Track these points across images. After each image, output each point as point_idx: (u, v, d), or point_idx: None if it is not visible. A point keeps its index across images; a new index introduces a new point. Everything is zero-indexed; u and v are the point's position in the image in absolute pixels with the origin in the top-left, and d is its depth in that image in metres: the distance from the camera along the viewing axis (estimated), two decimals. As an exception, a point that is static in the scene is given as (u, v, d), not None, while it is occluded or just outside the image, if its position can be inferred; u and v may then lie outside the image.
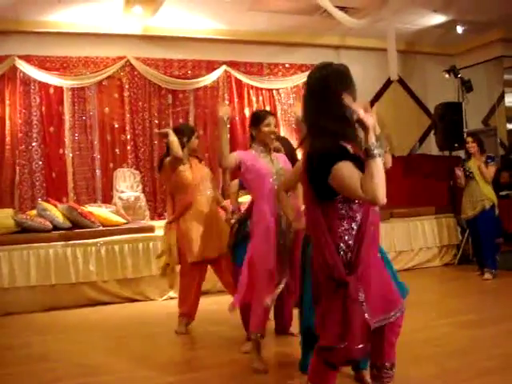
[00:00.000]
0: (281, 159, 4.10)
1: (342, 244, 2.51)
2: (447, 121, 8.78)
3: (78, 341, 4.87)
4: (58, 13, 8.04)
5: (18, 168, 8.26)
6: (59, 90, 8.55)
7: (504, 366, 3.70)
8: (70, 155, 8.61)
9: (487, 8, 8.83)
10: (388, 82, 10.37)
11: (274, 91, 9.93)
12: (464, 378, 3.53)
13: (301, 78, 9.96)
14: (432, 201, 8.16)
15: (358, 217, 2.54)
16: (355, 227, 2.54)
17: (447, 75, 8.89)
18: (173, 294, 6.48)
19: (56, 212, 6.58)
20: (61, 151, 8.58)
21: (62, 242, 6.26)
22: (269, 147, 4.02)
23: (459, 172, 6.98)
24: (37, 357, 4.40)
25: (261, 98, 9.82)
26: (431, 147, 10.50)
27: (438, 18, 9.39)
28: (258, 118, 4.05)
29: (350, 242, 2.52)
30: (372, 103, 10.35)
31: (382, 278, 2.69)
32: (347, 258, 2.51)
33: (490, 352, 4.02)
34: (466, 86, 8.59)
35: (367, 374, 3.38)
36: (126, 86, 8.95)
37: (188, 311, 4.93)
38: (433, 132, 10.08)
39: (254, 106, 9.70)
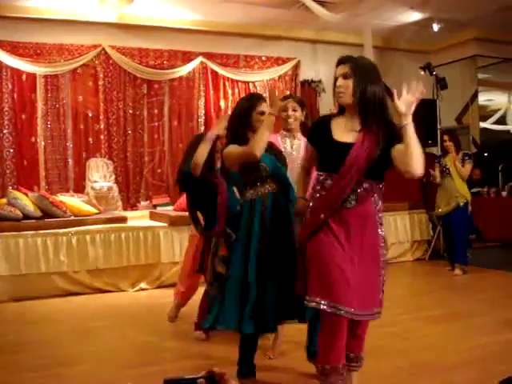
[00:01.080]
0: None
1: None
2: (421, 117, 8.79)
3: (48, 331, 4.81)
4: (32, -2, 7.92)
5: (-12, 155, 8.14)
6: (32, 76, 8.42)
7: (472, 359, 3.75)
8: (42, 143, 8.49)
9: (463, 7, 8.92)
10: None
11: (250, 84, 9.91)
12: (432, 371, 3.57)
13: (277, 71, 9.96)
14: (405, 196, 8.23)
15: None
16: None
17: (422, 72, 8.96)
18: (144, 285, 6.46)
19: (27, 201, 6.48)
20: (33, 139, 8.46)
21: (33, 232, 6.16)
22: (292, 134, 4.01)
23: (433, 172, 7.03)
24: (4, 347, 4.34)
25: (236, 90, 9.79)
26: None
27: (415, 16, 9.45)
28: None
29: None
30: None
31: (376, 277, 2.81)
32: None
33: (458, 346, 4.07)
34: (441, 83, 8.67)
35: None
36: (101, 75, 8.85)
37: (183, 293, 4.84)
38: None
39: (229, 98, 9.68)
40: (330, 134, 2.82)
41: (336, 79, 2.85)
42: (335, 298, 2.65)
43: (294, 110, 3.94)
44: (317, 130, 2.94)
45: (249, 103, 3.44)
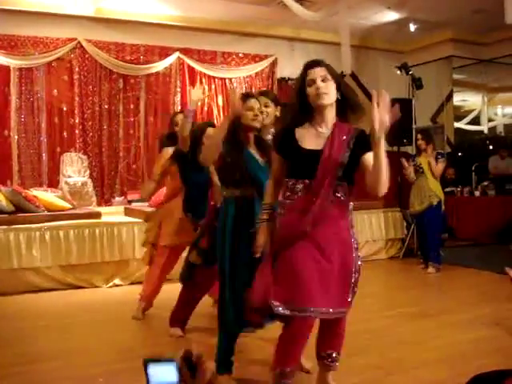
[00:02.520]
0: None
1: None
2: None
3: (19, 328, 4.75)
4: (6, -11, 7.81)
5: (-40, 149, 8.02)
6: (5, 69, 8.31)
7: (444, 356, 3.79)
8: (16, 137, 8.39)
9: (439, 8, 9.01)
10: (341, 76, 10.44)
11: (227, 80, 9.89)
12: (406, 367, 3.60)
13: (254, 68, 9.96)
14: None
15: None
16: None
17: (399, 72, 9.02)
18: (118, 281, 6.41)
19: (-1, 195, 6.40)
20: (6, 133, 8.35)
21: (5, 227, 6.07)
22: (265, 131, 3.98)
23: (406, 163, 7.06)
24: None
25: (213, 86, 9.77)
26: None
27: (392, 15, 9.52)
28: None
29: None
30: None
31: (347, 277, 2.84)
32: None
33: (431, 343, 4.11)
34: (417, 83, 8.73)
35: (306, 363, 3.47)
36: (76, 69, 8.76)
37: (148, 296, 4.92)
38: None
39: (206, 94, 9.65)
40: (297, 142, 2.80)
41: (309, 82, 2.82)
42: (304, 302, 2.66)
43: (266, 106, 3.90)
44: (283, 140, 2.89)
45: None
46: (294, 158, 2.82)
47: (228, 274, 3.26)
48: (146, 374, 1.22)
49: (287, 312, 2.66)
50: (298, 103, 2.86)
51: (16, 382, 3.54)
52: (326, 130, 2.81)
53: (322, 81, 2.79)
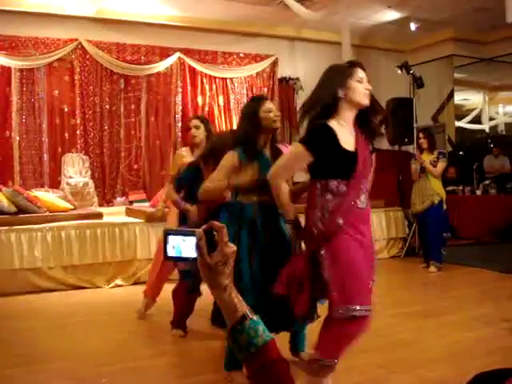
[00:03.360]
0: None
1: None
2: (398, 116, 8.89)
3: (21, 329, 4.76)
4: (7, -10, 7.82)
5: (-39, 150, 8.03)
6: (7, 70, 8.32)
7: (446, 355, 3.79)
8: (17, 138, 8.40)
9: (440, 7, 9.00)
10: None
11: (228, 80, 9.90)
12: (408, 366, 3.60)
13: (255, 68, 9.95)
14: (381, 194, 8.27)
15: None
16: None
17: (399, 71, 9.00)
18: (120, 281, 6.41)
19: (1, 196, 6.40)
20: (7, 134, 8.36)
21: (6, 227, 6.07)
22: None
23: (419, 155, 7.05)
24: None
25: (214, 86, 9.77)
26: (381, 142, 10.61)
27: (392, 15, 9.52)
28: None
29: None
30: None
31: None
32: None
33: (433, 342, 4.10)
34: (418, 82, 8.72)
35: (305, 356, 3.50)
36: (77, 69, 8.78)
37: (150, 292, 4.96)
38: (383, 126, 10.21)
39: (207, 94, 9.66)
40: (338, 142, 2.79)
41: (359, 79, 2.92)
42: (366, 301, 2.79)
43: (278, 110, 3.96)
44: (322, 140, 2.82)
45: (254, 104, 3.46)
46: (339, 158, 2.81)
47: (249, 279, 3.23)
48: (165, 244, 1.22)
49: (362, 313, 2.77)
50: (331, 97, 2.86)
51: (19, 383, 3.55)
52: (351, 128, 2.88)
53: (368, 82, 2.94)
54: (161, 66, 9.32)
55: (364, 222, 2.88)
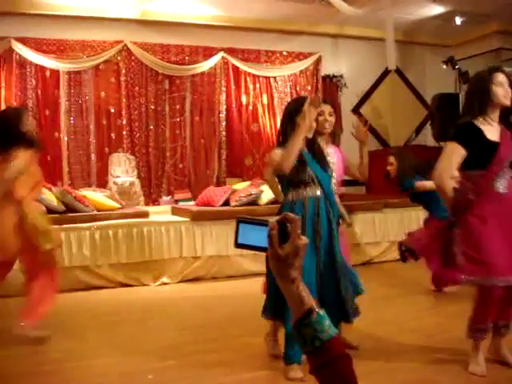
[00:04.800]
0: (335, 153, 4.13)
1: None
2: (444, 112, 8.78)
3: (71, 325, 4.86)
4: (55, -5, 8.00)
5: (12, 151, 8.23)
6: (55, 73, 8.52)
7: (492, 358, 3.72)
8: (66, 139, 8.59)
9: (486, 0, 8.81)
10: (386, 72, 10.35)
11: (271, 79, 9.90)
12: (455, 369, 3.55)
13: (298, 67, 9.94)
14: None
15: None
16: None
17: (445, 66, 8.89)
18: (166, 279, 6.49)
19: (50, 195, 6.55)
20: (56, 135, 8.56)
21: (56, 226, 6.17)
22: (325, 138, 4.03)
23: None
24: (24, 340, 4.38)
25: (258, 85, 9.80)
26: (427, 138, 10.50)
27: (437, 9, 9.36)
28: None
29: None
30: (369, 93, 10.36)
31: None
32: None
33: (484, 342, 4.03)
34: (464, 77, 8.58)
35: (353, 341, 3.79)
36: (123, 71, 8.92)
37: None
38: (429, 123, 10.09)
39: (250, 93, 9.69)
40: (483, 134, 3.26)
41: (499, 83, 3.29)
42: (491, 273, 3.14)
43: (330, 115, 3.98)
44: (470, 133, 3.30)
45: (297, 103, 3.51)
46: (484, 147, 3.26)
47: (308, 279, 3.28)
48: (236, 232, 1.23)
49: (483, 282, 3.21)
50: (480, 100, 3.33)
51: (68, 378, 3.63)
52: (496, 125, 3.33)
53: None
54: (205, 66, 9.39)
55: (503, 204, 3.25)
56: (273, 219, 1.21)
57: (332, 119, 4.00)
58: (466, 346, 3.55)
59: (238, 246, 1.25)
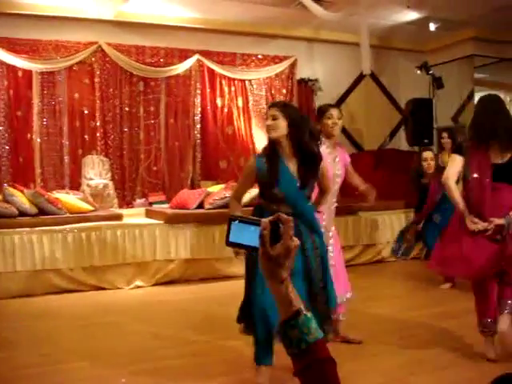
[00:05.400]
0: (341, 155, 4.15)
1: None
2: (417, 116, 8.87)
3: (43, 329, 4.81)
4: (28, -6, 7.89)
5: (-17, 152, 8.11)
6: (28, 73, 8.39)
7: (466, 358, 3.76)
8: (38, 140, 8.46)
9: (460, 6, 8.91)
10: (360, 77, 10.42)
11: (247, 82, 9.89)
12: (430, 368, 3.58)
13: (273, 70, 9.95)
14: (402, 195, 8.22)
15: None
16: None
17: (419, 71, 8.98)
18: (140, 282, 6.45)
19: (22, 198, 6.47)
20: (28, 136, 8.43)
21: (28, 229, 6.15)
22: (333, 141, 4.04)
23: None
24: (0, 344, 4.32)
25: (233, 88, 9.78)
26: (401, 142, 10.59)
27: (412, 15, 9.45)
28: (321, 112, 4.10)
29: None
30: (344, 97, 10.43)
31: None
32: None
33: (456, 343, 4.08)
34: (437, 82, 8.68)
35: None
36: (97, 72, 8.81)
37: None
38: (403, 127, 10.18)
39: (226, 96, 9.67)
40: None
41: None
42: None
43: (339, 119, 4.02)
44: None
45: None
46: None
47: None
48: (228, 231, 1.23)
49: None
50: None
51: (40, 382, 3.58)
52: None
53: None
54: (180, 68, 9.34)
55: None
56: (265, 219, 1.20)
57: (340, 123, 4.04)
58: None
59: (228, 244, 1.25)
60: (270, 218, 1.21)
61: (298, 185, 3.33)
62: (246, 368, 3.63)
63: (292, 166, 3.35)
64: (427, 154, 6.21)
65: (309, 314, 1.21)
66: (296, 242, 1.21)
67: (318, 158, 3.39)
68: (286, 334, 1.21)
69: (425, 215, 6.36)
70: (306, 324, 1.20)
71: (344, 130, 10.33)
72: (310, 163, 3.36)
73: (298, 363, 1.21)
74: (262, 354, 3.34)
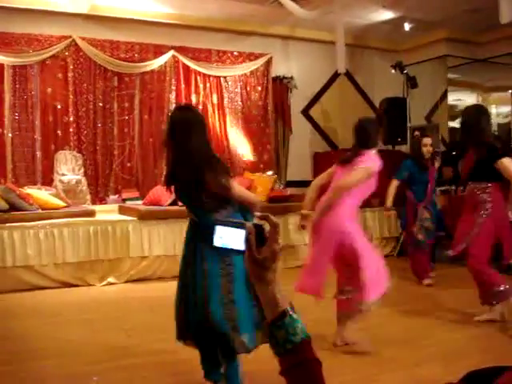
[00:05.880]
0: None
1: None
2: (392, 115, 8.93)
3: (13, 326, 4.74)
4: (0, -14, 7.77)
5: (-47, 147, 7.97)
6: (-1, 67, 8.27)
7: (437, 354, 3.79)
8: (10, 135, 8.34)
9: (434, 7, 9.00)
10: (335, 75, 10.45)
11: (222, 79, 9.86)
12: (399, 365, 3.61)
13: (249, 67, 9.93)
14: (376, 193, 8.25)
15: None
16: None
17: (393, 70, 9.04)
18: (112, 279, 6.40)
19: (-7, 193, 6.38)
20: (0, 131, 8.31)
21: (-1, 224, 6.07)
22: None
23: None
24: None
25: (208, 84, 9.74)
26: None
27: (387, 14, 9.52)
28: None
29: None
30: (319, 95, 10.45)
31: None
32: None
33: (424, 341, 4.12)
34: (411, 82, 8.75)
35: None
36: (71, 67, 8.71)
37: None
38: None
39: (200, 92, 9.63)
40: None
41: None
42: None
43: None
44: None
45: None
46: None
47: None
48: (212, 235, 1.24)
49: None
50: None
51: (9, 381, 3.53)
52: None
53: None
54: (154, 64, 9.27)
55: None
56: (249, 223, 1.22)
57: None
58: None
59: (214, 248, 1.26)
60: (255, 221, 1.23)
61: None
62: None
63: None
64: (427, 140, 6.44)
65: (295, 315, 1.23)
66: (281, 245, 1.23)
67: None
68: (273, 335, 1.23)
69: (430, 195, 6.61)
70: (291, 324, 1.21)
71: (318, 129, 10.37)
72: None
73: (284, 363, 1.22)
74: (211, 370, 3.21)
